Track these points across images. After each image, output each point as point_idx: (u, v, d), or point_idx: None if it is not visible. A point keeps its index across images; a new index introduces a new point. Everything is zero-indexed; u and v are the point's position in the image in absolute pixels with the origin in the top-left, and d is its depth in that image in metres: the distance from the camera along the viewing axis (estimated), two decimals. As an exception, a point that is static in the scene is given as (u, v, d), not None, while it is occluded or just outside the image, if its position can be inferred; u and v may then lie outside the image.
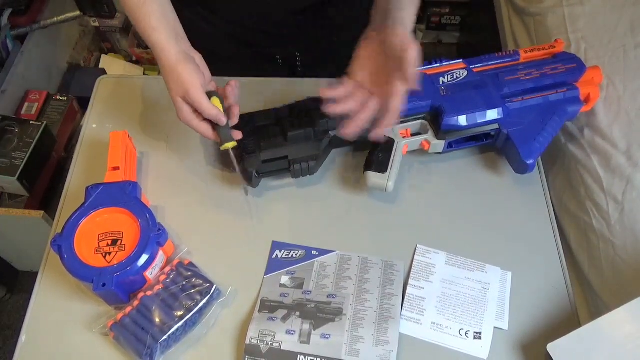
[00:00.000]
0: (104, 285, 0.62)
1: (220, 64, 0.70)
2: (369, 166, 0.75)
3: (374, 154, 0.76)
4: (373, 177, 0.74)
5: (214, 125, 0.69)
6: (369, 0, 0.77)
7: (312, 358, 0.63)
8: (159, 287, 0.66)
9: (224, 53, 0.72)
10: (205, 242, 0.74)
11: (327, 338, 0.65)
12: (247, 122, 0.77)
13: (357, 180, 0.79)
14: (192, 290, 0.66)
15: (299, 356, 0.64)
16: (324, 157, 0.77)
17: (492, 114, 0.76)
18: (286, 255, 0.73)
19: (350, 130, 0.67)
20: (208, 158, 0.82)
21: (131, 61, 1.90)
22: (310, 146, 0.75)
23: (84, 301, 0.69)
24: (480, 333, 0.67)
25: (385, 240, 0.75)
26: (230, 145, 0.70)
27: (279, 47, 0.95)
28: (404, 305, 0.69)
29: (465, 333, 0.67)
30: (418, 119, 0.78)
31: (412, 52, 0.64)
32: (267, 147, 0.75)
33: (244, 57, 0.95)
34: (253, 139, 0.75)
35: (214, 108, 0.67)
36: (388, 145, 0.76)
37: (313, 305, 0.68)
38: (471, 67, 0.80)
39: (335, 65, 0.79)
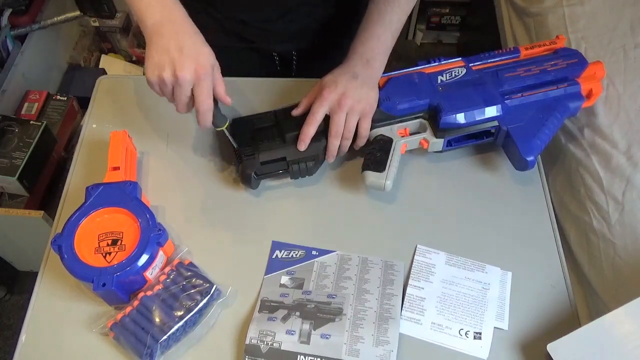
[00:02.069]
0: (104, 285, 0.62)
1: (216, 56, 0.69)
2: (367, 165, 0.75)
3: (372, 153, 0.76)
4: (371, 176, 0.74)
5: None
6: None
7: (312, 358, 0.63)
8: (159, 287, 0.66)
9: (220, 46, 0.73)
10: (205, 242, 0.74)
11: (327, 338, 0.65)
12: (245, 124, 0.77)
13: (356, 180, 0.79)
14: (192, 290, 0.66)
15: (299, 356, 0.64)
16: (322, 158, 0.77)
17: (491, 111, 0.76)
18: (286, 255, 0.73)
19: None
20: (208, 158, 0.82)
21: (131, 61, 1.90)
22: (308, 147, 0.75)
23: (84, 301, 0.69)
24: (480, 333, 0.67)
25: (385, 240, 0.75)
26: (225, 126, 0.72)
27: (276, 43, 0.95)
28: (404, 305, 0.69)
29: (465, 333, 0.67)
30: (417, 117, 0.78)
31: (314, 106, 0.73)
32: (266, 148, 0.75)
33: (240, 51, 0.95)
34: (251, 141, 0.75)
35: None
36: (386, 144, 0.76)
37: (313, 305, 0.68)
38: (470, 65, 0.80)
39: (330, 63, 0.80)
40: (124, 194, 0.70)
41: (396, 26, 0.78)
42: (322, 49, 0.95)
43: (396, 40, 0.79)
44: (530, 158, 0.74)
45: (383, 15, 0.76)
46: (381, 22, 0.76)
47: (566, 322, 0.68)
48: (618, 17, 0.93)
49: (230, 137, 0.74)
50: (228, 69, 0.79)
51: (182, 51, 0.63)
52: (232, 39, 0.92)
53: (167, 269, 0.68)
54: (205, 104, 0.65)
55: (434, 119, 0.77)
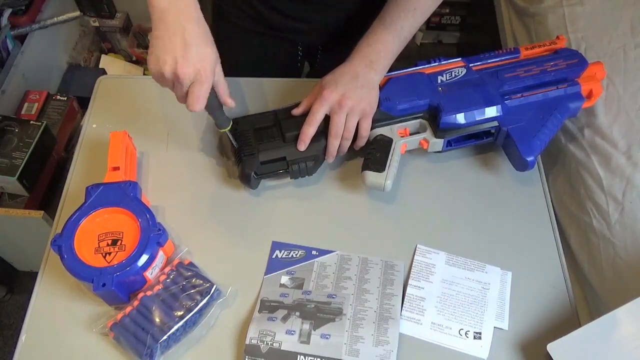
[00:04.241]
0: (104, 285, 0.62)
1: (241, 40, 0.68)
2: (367, 165, 0.75)
3: (372, 153, 0.76)
4: (371, 176, 0.74)
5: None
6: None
7: (312, 358, 0.63)
8: (159, 287, 0.66)
9: (248, 30, 0.71)
10: (205, 242, 0.74)
11: (327, 338, 0.65)
12: (245, 124, 0.77)
13: (356, 180, 0.79)
14: (192, 290, 0.66)
15: (298, 356, 0.64)
16: (322, 158, 0.77)
17: (491, 112, 0.76)
18: (286, 255, 0.73)
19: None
20: (208, 158, 0.82)
21: (131, 61, 1.90)
22: (308, 147, 0.75)
23: (84, 301, 0.69)
24: (480, 333, 0.67)
25: (385, 240, 0.75)
26: (228, 128, 0.73)
27: (305, 36, 0.95)
28: (404, 305, 0.69)
29: (465, 333, 0.67)
30: (417, 118, 0.78)
31: (314, 106, 0.73)
32: (266, 148, 0.75)
33: (267, 38, 0.95)
34: (251, 140, 0.75)
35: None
36: (386, 144, 0.76)
37: (313, 305, 0.68)
38: (470, 65, 0.80)
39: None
40: (124, 194, 0.70)
41: (407, 34, 0.77)
42: (346, 46, 0.96)
43: (404, 47, 0.78)
44: (530, 158, 0.74)
45: (395, 21, 0.76)
46: (392, 28, 0.76)
47: (566, 322, 0.68)
48: (618, 17, 0.93)
49: (231, 138, 0.74)
50: (244, 54, 0.77)
51: (186, 50, 0.62)
52: (262, 26, 0.91)
53: (167, 269, 0.68)
54: (197, 107, 0.64)
55: (434, 119, 0.77)
